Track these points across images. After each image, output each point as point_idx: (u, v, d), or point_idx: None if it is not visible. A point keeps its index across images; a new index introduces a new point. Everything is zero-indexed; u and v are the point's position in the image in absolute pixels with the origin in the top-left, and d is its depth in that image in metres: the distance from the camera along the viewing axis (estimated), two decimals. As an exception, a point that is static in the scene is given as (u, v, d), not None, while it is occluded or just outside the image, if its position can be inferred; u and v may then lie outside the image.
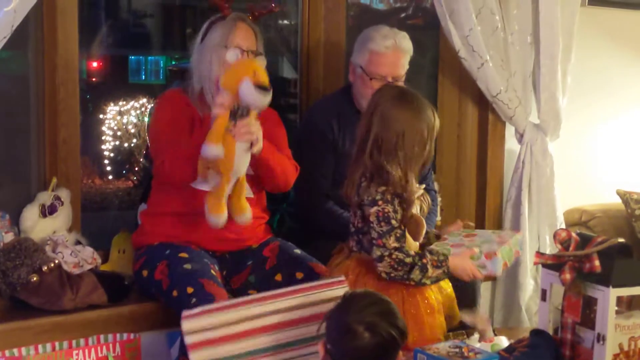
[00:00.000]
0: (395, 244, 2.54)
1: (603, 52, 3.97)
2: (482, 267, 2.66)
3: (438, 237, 2.83)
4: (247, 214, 2.75)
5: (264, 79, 2.55)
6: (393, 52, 3.10)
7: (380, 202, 2.55)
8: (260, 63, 2.66)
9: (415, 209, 2.65)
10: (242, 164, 2.65)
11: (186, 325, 2.30)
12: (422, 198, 2.70)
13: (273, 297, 2.38)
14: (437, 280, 2.61)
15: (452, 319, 2.77)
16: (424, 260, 2.56)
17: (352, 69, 3.19)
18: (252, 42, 2.84)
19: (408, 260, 2.54)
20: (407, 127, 2.57)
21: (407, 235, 2.62)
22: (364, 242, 2.66)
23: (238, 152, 2.60)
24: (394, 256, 2.53)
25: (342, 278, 2.46)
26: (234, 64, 2.65)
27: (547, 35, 3.49)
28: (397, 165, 2.56)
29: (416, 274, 2.55)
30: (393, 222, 2.55)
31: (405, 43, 3.14)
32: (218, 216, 2.65)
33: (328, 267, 2.77)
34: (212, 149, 2.53)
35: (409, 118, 2.58)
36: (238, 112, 2.56)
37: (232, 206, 2.71)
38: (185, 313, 2.33)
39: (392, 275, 2.55)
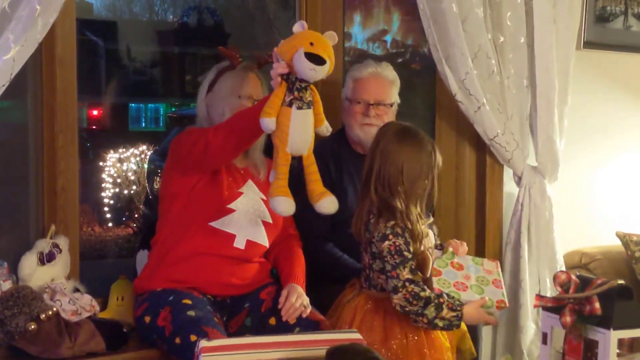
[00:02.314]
0: (409, 275, 2.55)
1: (600, 95, 3.99)
2: (490, 314, 2.69)
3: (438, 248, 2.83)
4: (327, 198, 2.52)
5: (320, 50, 2.40)
6: (375, 77, 3.19)
7: (390, 237, 2.57)
8: (326, 36, 2.49)
9: (424, 245, 2.65)
10: (300, 139, 2.46)
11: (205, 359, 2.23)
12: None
13: (292, 345, 2.30)
14: (449, 324, 2.57)
15: (463, 353, 2.76)
16: (441, 300, 2.56)
17: (342, 106, 3.24)
18: (260, 91, 2.91)
19: (423, 294, 2.54)
20: (406, 161, 2.61)
21: None
22: (372, 279, 2.67)
23: (296, 125, 2.45)
24: (409, 289, 2.53)
25: (357, 333, 2.39)
26: (294, 34, 2.48)
27: (543, 78, 3.51)
28: (400, 200, 2.59)
29: (430, 311, 2.54)
30: (406, 254, 2.57)
31: (387, 71, 3.21)
32: (276, 200, 2.44)
33: (339, 301, 2.76)
34: (264, 121, 2.41)
35: (408, 153, 2.61)
36: (296, 84, 2.44)
37: (308, 192, 2.54)
38: (204, 345, 2.24)
39: (407, 309, 2.55)
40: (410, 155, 2.61)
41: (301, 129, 2.45)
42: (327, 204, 2.51)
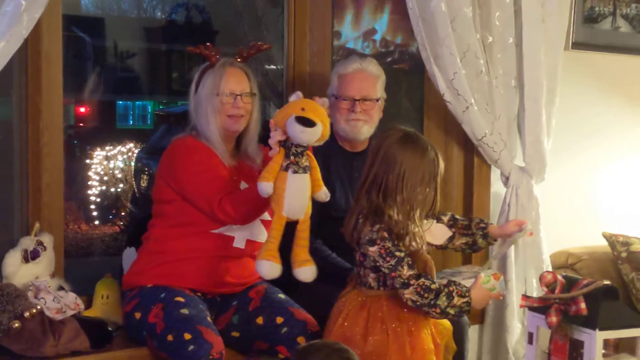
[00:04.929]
0: (410, 272, 2.53)
1: (588, 95, 3.99)
2: (492, 289, 2.65)
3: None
4: (306, 268, 2.63)
5: (310, 114, 2.55)
6: (359, 72, 3.18)
7: (378, 241, 2.55)
8: (320, 103, 2.64)
9: (418, 244, 2.63)
10: (296, 202, 2.58)
11: None
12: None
13: None
14: (459, 311, 2.56)
15: (448, 350, 2.75)
16: (450, 289, 2.55)
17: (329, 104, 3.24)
18: (245, 85, 2.89)
19: (434, 286, 2.53)
20: (407, 168, 2.57)
21: None
22: (363, 276, 2.66)
23: (291, 189, 2.56)
24: (420, 282, 2.52)
25: None
26: (289, 103, 2.65)
27: (530, 78, 3.51)
28: (396, 207, 2.56)
29: (442, 300, 2.53)
30: (398, 253, 2.54)
31: (371, 66, 3.20)
32: (260, 263, 2.57)
33: (339, 296, 2.74)
34: (261, 185, 2.54)
35: (410, 159, 2.58)
36: (292, 149, 2.56)
37: (292, 255, 2.63)
38: None
39: (419, 303, 2.53)
40: (412, 163, 2.58)
41: (297, 193, 2.57)
42: (307, 273, 2.63)
